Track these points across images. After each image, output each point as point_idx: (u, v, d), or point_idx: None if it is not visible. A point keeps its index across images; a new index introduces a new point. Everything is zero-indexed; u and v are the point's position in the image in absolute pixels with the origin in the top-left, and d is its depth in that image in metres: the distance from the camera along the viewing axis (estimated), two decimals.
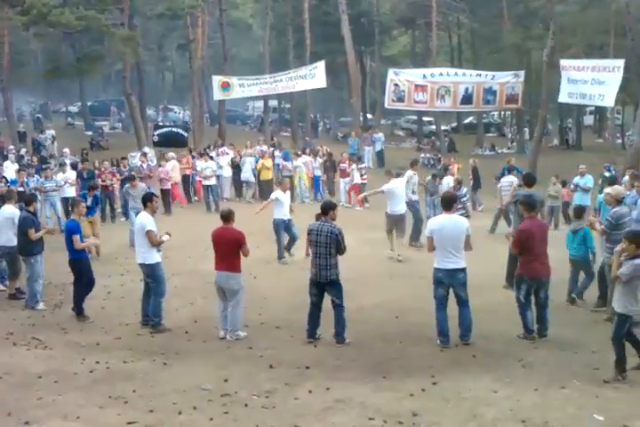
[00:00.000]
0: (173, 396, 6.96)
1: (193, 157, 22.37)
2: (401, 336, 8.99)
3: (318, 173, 22.77)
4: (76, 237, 9.95)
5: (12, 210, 11.11)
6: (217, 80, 30.13)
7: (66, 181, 17.57)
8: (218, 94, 30.44)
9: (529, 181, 11.25)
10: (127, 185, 16.33)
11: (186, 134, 29.29)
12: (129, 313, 9.99)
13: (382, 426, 6.22)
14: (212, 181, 20.73)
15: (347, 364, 7.98)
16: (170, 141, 25.87)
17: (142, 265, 9.52)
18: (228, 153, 22.93)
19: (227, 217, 9.09)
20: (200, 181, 21.25)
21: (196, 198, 22.00)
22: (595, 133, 44.73)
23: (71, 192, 17.56)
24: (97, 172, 18.94)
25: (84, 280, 10.16)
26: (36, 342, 8.82)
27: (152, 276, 9.50)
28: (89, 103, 46.44)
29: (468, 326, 8.70)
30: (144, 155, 21.58)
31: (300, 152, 24.17)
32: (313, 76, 28.41)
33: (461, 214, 13.29)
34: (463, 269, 8.60)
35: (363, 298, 10.44)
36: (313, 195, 22.57)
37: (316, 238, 8.67)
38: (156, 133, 29.44)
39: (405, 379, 7.38)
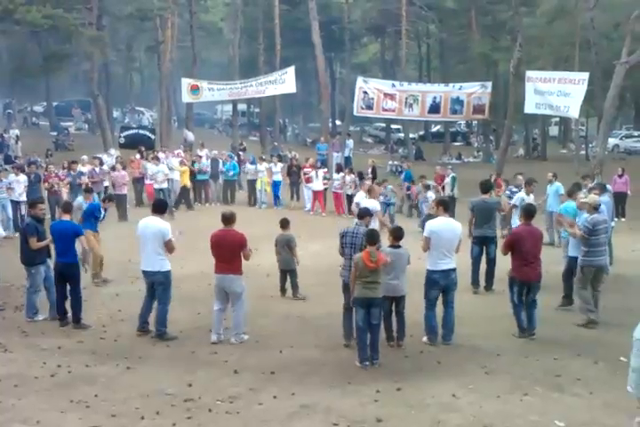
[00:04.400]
0: (136, 400, 6.89)
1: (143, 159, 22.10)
2: None
3: (279, 177, 22.70)
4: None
5: None
6: (186, 83, 30.02)
7: (10, 184, 16.90)
8: (187, 97, 30.32)
9: (485, 188, 12.02)
10: (80, 197, 14.26)
11: (153, 136, 29.08)
12: (90, 316, 9.84)
13: None
14: (164, 185, 20.28)
15: (312, 369, 7.97)
16: (136, 143, 25.60)
17: (157, 273, 9.11)
18: (181, 155, 22.76)
19: (228, 219, 8.99)
20: (151, 185, 20.79)
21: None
22: (560, 144, 45.46)
23: (21, 196, 17.02)
24: (45, 175, 18.42)
25: (77, 286, 9.72)
26: None
27: (164, 283, 9.16)
28: (55, 103, 45.81)
29: (452, 327, 9.00)
30: (94, 158, 20.76)
31: (264, 157, 24.16)
32: (283, 82, 28.47)
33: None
34: (454, 270, 8.97)
35: (331, 304, 10.41)
36: (273, 201, 22.47)
37: (351, 241, 8.72)
38: (122, 135, 29.20)
39: (370, 384, 7.40)
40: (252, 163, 23.13)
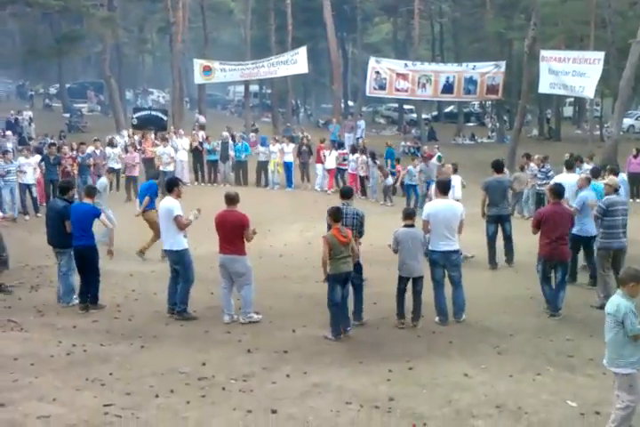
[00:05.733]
0: (150, 379, 6.96)
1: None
2: (378, 322, 9.07)
3: (290, 158, 22.67)
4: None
5: None
6: (198, 64, 29.95)
7: (20, 167, 16.78)
8: (199, 78, 30.28)
9: (497, 167, 12.23)
10: (103, 178, 14.82)
11: (165, 118, 29.01)
12: (106, 297, 9.93)
13: (359, 410, 6.26)
14: (170, 167, 20.20)
15: (324, 349, 8.03)
16: (149, 124, 25.57)
17: (170, 252, 9.27)
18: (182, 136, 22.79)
19: (232, 200, 9.01)
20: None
21: None
22: (574, 125, 45.00)
23: (31, 179, 16.99)
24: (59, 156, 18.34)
25: (95, 268, 9.72)
26: (12, 325, 8.75)
27: (180, 262, 9.24)
28: (67, 85, 45.79)
29: (462, 305, 9.10)
30: (96, 141, 20.46)
31: (277, 138, 24.14)
32: (294, 62, 28.35)
33: None
34: (457, 251, 9.10)
35: None
36: (286, 182, 22.49)
37: (342, 221, 8.67)
38: (135, 116, 29.14)
39: (382, 364, 7.44)
40: (263, 144, 23.10)
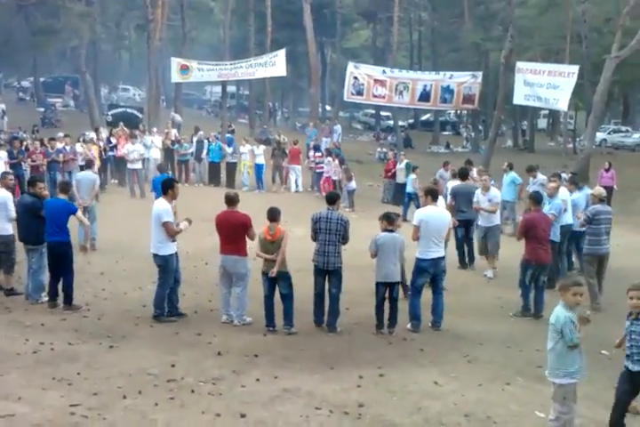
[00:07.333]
0: (118, 379, 6.87)
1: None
2: (350, 328, 9.06)
3: (262, 160, 22.64)
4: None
5: (3, 194, 9.99)
6: (176, 62, 29.78)
7: None
8: (176, 77, 30.11)
9: (462, 174, 13.16)
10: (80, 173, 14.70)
11: (140, 115, 28.80)
12: (76, 295, 9.76)
13: (328, 416, 6.25)
14: (138, 165, 19.91)
15: (295, 354, 8.00)
16: (124, 122, 25.35)
17: (155, 256, 9.03)
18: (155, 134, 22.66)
19: (232, 200, 8.95)
20: None
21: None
22: (548, 137, 45.59)
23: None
24: (27, 151, 18.09)
25: (69, 266, 9.52)
26: None
27: (162, 266, 9.03)
28: (42, 79, 45.23)
29: (441, 314, 9.15)
30: (65, 136, 19.87)
31: (247, 138, 24.17)
32: (273, 64, 28.33)
33: None
34: (444, 258, 9.21)
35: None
36: (256, 184, 22.45)
37: (326, 226, 8.75)
38: (110, 113, 28.91)
39: (353, 370, 7.43)
40: (230, 145, 23.02)
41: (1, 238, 9.92)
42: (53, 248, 9.43)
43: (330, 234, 8.76)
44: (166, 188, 9.13)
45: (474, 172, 16.85)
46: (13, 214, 9.81)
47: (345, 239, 8.90)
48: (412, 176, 19.32)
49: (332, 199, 9.12)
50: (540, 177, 16.13)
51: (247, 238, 8.92)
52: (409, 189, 19.01)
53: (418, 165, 20.36)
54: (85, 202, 12.97)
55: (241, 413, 6.18)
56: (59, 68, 57.31)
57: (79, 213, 9.90)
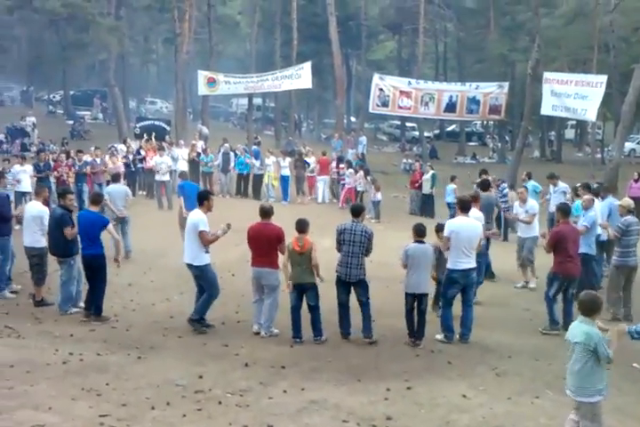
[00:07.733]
0: (147, 390, 6.91)
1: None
2: (377, 339, 9.01)
3: (287, 172, 22.73)
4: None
5: (40, 208, 10.32)
6: (203, 75, 30.05)
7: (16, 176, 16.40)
8: (203, 90, 30.37)
9: (483, 186, 12.56)
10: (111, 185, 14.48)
11: (168, 128, 29.09)
12: (105, 306, 9.86)
13: None
14: (166, 177, 20.09)
15: (322, 365, 7.99)
16: (151, 134, 25.62)
17: (190, 266, 9.14)
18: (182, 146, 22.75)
19: (267, 213, 9.01)
20: None
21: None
22: (575, 147, 45.18)
23: (26, 186, 16.53)
24: (53, 164, 18.23)
25: (103, 278, 9.61)
26: (8, 331, 8.68)
27: (202, 278, 9.16)
28: (72, 92, 45.93)
29: (470, 326, 9.07)
30: (96, 149, 20.19)
31: (271, 150, 24.27)
32: (299, 77, 28.49)
33: None
34: (474, 269, 9.09)
35: None
36: (282, 196, 22.46)
37: (350, 238, 8.77)
38: (138, 126, 29.25)
39: (380, 383, 7.39)
40: (257, 157, 23.15)
41: (35, 251, 10.15)
42: (88, 261, 9.55)
43: (353, 246, 8.78)
44: (202, 199, 9.24)
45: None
46: (47, 228, 9.97)
47: (368, 251, 8.90)
48: (452, 186, 19.34)
49: (356, 211, 9.15)
50: (562, 185, 16.03)
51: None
52: (449, 199, 19.00)
53: (438, 175, 20.49)
54: (122, 213, 13.19)
55: (268, 424, 6.18)
56: (87, 81, 58.13)
57: (110, 226, 10.00)
